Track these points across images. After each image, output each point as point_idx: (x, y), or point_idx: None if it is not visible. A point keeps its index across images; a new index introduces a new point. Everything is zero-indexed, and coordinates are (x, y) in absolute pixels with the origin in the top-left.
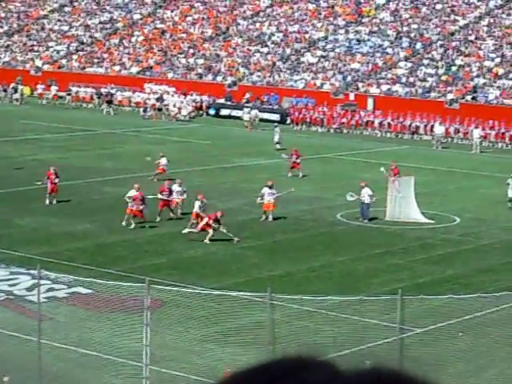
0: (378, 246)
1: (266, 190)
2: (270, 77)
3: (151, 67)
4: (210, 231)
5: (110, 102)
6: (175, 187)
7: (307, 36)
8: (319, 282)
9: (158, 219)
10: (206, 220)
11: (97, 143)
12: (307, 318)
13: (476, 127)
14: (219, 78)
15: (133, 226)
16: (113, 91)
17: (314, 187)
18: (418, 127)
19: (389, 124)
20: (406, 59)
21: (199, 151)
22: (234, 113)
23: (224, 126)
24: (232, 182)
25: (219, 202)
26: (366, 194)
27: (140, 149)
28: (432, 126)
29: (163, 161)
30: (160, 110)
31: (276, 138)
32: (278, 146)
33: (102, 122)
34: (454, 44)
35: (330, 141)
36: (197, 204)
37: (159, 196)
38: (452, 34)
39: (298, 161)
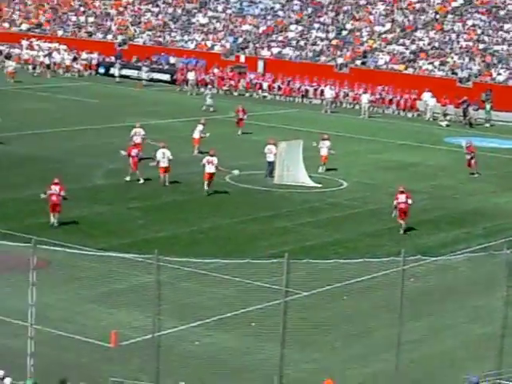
0: (266, 209)
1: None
2: (160, 37)
3: (41, 24)
4: None
5: (8, 58)
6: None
7: None
8: (206, 244)
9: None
10: None
11: None
12: (194, 279)
13: (365, 92)
14: (109, 37)
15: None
16: (2, 48)
17: (205, 149)
18: (307, 91)
19: (279, 87)
20: (297, 22)
21: (89, 110)
22: (124, 72)
23: (113, 84)
24: (120, 141)
25: (107, 161)
26: (270, 153)
27: (29, 107)
28: (322, 90)
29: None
30: (49, 67)
31: (208, 102)
32: (210, 109)
33: None
34: (345, 8)
35: (220, 103)
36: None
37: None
38: None
39: (245, 117)
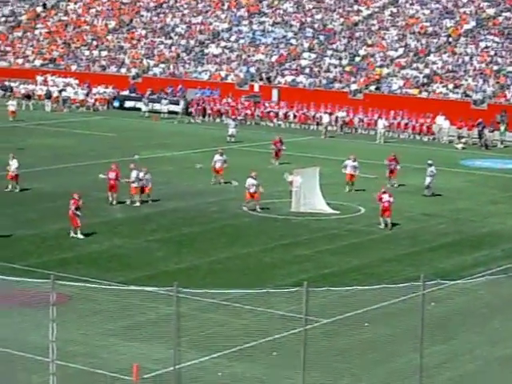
0: (284, 237)
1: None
2: (174, 68)
3: (55, 60)
4: None
5: (29, 97)
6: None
7: (211, 27)
8: (226, 275)
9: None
10: None
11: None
12: (214, 310)
13: (380, 117)
14: (123, 70)
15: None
16: (15, 84)
17: (227, 179)
18: (322, 118)
19: (294, 115)
20: (310, 50)
21: (103, 144)
22: (139, 105)
23: (129, 118)
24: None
25: (124, 195)
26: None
27: (43, 142)
28: (337, 117)
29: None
30: (64, 102)
31: (231, 131)
32: (232, 139)
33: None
34: (357, 34)
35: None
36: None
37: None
38: (356, 24)
39: (284, 148)
